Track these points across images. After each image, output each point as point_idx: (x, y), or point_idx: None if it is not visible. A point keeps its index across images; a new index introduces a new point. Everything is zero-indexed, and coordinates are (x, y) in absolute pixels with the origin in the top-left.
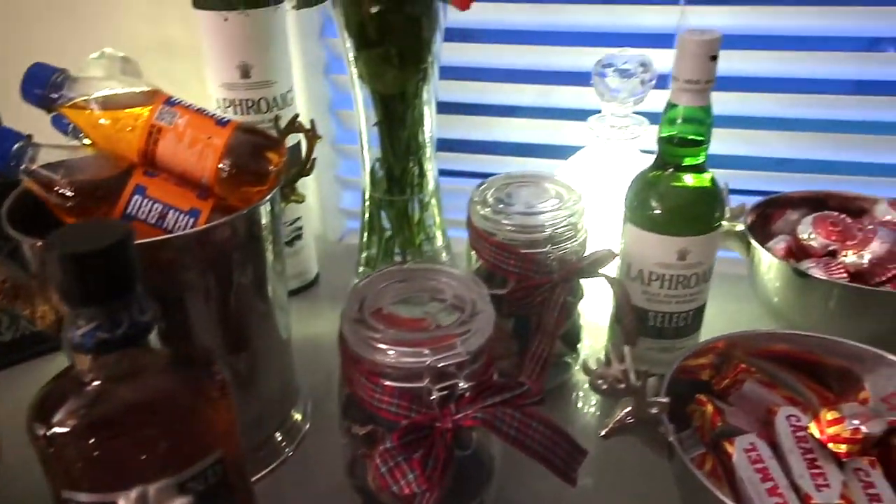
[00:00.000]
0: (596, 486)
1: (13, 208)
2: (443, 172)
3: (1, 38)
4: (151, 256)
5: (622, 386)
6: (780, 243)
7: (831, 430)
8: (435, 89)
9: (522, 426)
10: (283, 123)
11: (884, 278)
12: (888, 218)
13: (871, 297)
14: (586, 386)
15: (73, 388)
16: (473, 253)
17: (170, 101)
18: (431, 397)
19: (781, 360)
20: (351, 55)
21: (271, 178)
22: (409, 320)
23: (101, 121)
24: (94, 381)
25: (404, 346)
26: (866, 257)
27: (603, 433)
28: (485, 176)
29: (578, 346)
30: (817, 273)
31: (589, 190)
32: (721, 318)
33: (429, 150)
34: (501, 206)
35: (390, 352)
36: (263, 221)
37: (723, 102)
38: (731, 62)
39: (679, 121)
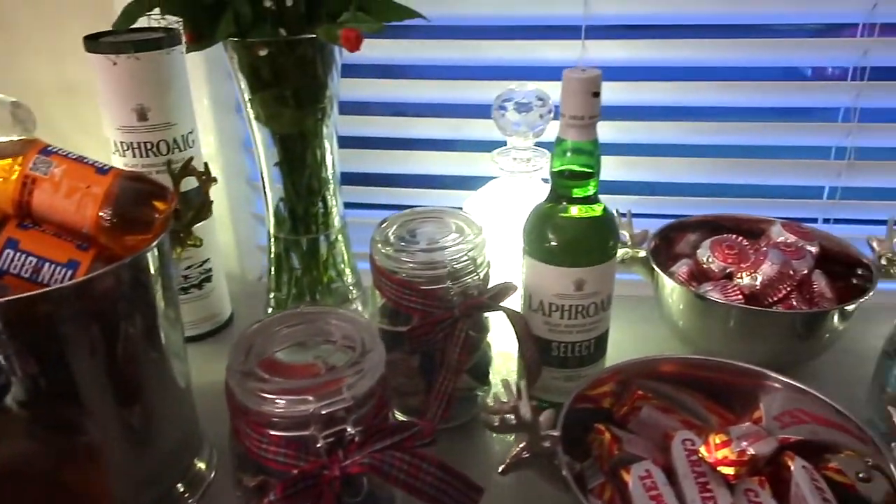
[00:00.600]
0: None
1: None
2: (354, 205)
3: None
4: (26, 311)
5: (514, 422)
6: (682, 267)
7: (719, 454)
8: (335, 126)
9: (413, 469)
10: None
11: (776, 298)
12: (781, 239)
13: (764, 318)
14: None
15: None
16: (377, 291)
17: (45, 151)
18: (318, 445)
19: (681, 383)
20: (246, 96)
21: (157, 226)
22: (298, 367)
23: None
24: None
25: (289, 395)
26: (759, 279)
27: (501, 469)
28: (396, 208)
29: (490, 379)
30: (715, 296)
31: (493, 223)
32: (632, 341)
33: (332, 187)
34: (403, 243)
35: (278, 401)
36: (152, 269)
37: (631, 131)
38: (637, 93)
39: (568, 154)
